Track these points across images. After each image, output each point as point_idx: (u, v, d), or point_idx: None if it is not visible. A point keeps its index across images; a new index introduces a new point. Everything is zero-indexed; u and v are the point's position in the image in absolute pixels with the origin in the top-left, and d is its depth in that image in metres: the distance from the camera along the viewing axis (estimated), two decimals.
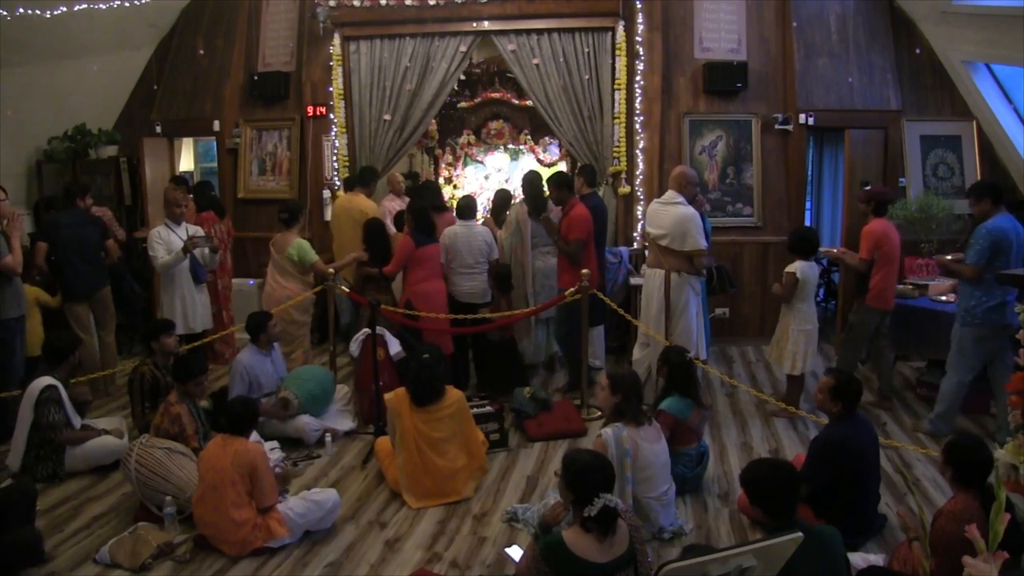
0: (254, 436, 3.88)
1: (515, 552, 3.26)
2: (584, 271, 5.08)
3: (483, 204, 7.48)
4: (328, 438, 4.74)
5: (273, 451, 4.35)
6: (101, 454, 4.43)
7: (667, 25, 6.86)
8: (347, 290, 5.57)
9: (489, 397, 4.95)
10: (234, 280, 6.76)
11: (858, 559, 3.18)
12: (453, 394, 4.20)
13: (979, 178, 6.57)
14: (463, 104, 7.75)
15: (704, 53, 6.93)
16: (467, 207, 5.88)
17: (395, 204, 6.80)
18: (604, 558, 2.56)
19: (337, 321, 5.92)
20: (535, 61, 6.72)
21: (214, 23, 7.64)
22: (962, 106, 6.71)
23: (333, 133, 7.21)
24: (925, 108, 6.80)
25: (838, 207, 8.03)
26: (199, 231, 5.78)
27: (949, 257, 4.98)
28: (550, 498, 3.74)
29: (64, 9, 6.02)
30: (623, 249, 6.51)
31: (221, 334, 6.09)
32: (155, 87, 7.72)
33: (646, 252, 6.13)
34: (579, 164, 6.45)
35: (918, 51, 6.74)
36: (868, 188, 5.42)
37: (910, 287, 5.62)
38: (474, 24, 6.77)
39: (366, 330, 5.10)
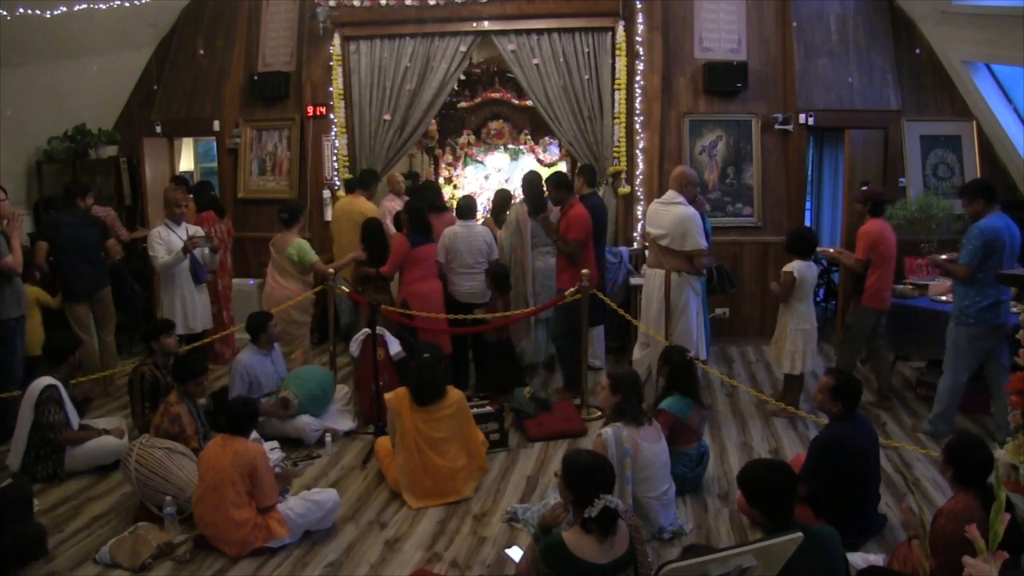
0: (254, 436, 3.88)
1: (515, 553, 3.26)
2: (584, 271, 5.08)
3: (483, 204, 7.48)
4: (328, 438, 4.74)
5: (273, 451, 4.35)
6: (101, 454, 4.44)
7: (667, 25, 6.86)
8: (347, 290, 5.57)
9: (489, 397, 4.95)
10: (234, 280, 6.76)
11: (858, 559, 3.19)
12: (454, 394, 4.20)
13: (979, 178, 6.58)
14: (463, 104, 7.75)
15: (704, 53, 6.93)
16: (467, 207, 5.88)
17: (395, 204, 6.80)
18: (604, 559, 2.56)
19: (337, 321, 5.92)
20: (535, 61, 6.72)
21: (214, 23, 7.64)
22: (962, 106, 6.71)
23: (333, 133, 7.21)
24: (925, 108, 6.80)
25: (838, 207, 8.03)
26: (199, 231, 5.78)
27: (944, 257, 4.99)
28: (550, 498, 3.74)
29: (64, 9, 6.02)
30: (623, 249, 6.51)
31: (221, 334, 6.09)
32: (155, 87, 7.72)
33: (646, 252, 6.13)
34: (579, 164, 6.45)
35: (918, 51, 6.74)
36: (864, 188, 5.43)
37: (910, 287, 5.62)
38: (474, 24, 6.77)
39: (366, 330, 5.10)
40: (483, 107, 7.75)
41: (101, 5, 6.29)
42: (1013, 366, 3.70)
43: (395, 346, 5.23)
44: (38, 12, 5.90)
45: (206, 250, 5.77)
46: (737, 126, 6.91)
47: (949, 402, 4.71)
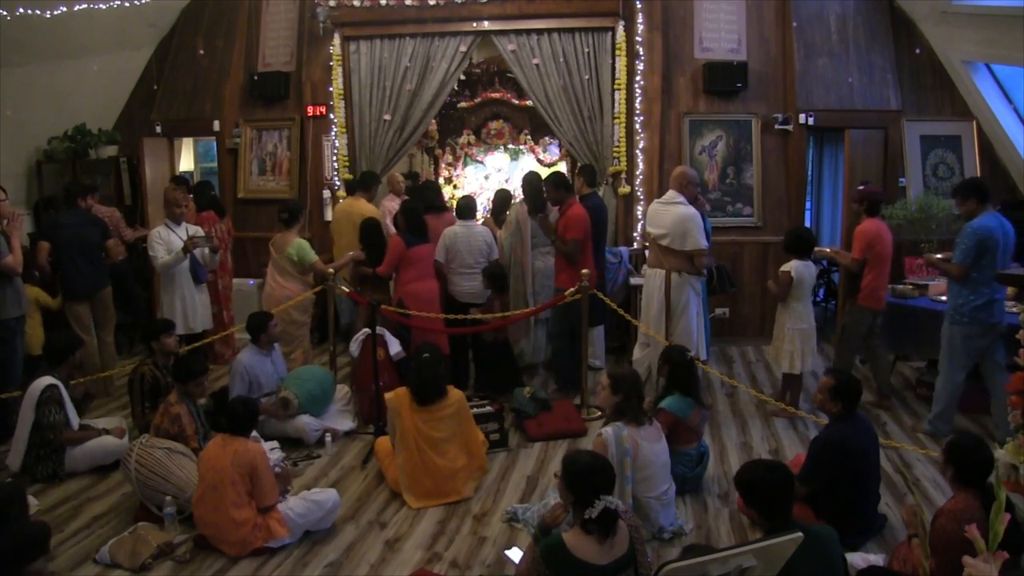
0: (253, 436, 3.88)
1: (515, 554, 3.26)
2: (584, 271, 5.08)
3: (483, 204, 7.48)
4: (328, 438, 4.74)
5: (273, 451, 4.35)
6: (101, 454, 4.44)
7: (667, 25, 6.86)
8: (347, 290, 5.57)
9: (489, 397, 4.95)
10: (234, 280, 6.76)
11: (858, 559, 3.18)
12: (454, 394, 4.20)
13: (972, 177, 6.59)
14: (463, 104, 7.75)
15: (704, 53, 6.93)
16: (467, 207, 5.89)
17: (395, 204, 6.78)
18: (604, 560, 2.55)
19: (337, 321, 5.92)
20: (535, 61, 6.72)
21: (214, 23, 7.64)
22: (962, 106, 6.71)
23: (333, 133, 7.21)
24: (925, 108, 6.80)
25: (838, 207, 8.03)
26: (199, 231, 5.78)
27: (939, 256, 5.00)
28: (550, 498, 3.74)
29: (64, 9, 6.02)
30: (623, 249, 6.51)
31: (221, 334, 6.09)
32: (155, 87, 7.72)
33: (646, 252, 6.13)
34: (579, 164, 6.46)
35: (918, 51, 6.74)
36: (861, 188, 5.43)
37: (910, 287, 5.62)
38: (474, 24, 6.77)
39: (366, 330, 5.10)
40: (483, 107, 7.75)
41: (101, 5, 6.29)
42: (1013, 366, 3.70)
43: (395, 346, 5.23)
44: (38, 12, 5.90)
45: (206, 250, 5.78)
46: (737, 126, 6.91)
47: (947, 402, 4.71)
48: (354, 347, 5.20)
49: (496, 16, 6.74)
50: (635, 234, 6.82)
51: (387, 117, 7.01)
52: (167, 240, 5.55)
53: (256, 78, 7.46)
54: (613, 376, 3.69)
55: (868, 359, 5.53)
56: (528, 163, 7.74)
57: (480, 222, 6.14)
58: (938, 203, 6.11)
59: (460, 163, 7.95)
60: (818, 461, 3.51)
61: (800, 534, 2.51)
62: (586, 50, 6.68)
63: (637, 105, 6.74)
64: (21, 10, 5.76)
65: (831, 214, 8.38)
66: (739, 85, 6.76)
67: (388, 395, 4.21)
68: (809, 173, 7.74)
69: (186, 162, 9.03)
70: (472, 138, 7.84)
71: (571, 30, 6.68)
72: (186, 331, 5.59)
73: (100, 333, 5.80)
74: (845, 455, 3.46)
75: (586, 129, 6.75)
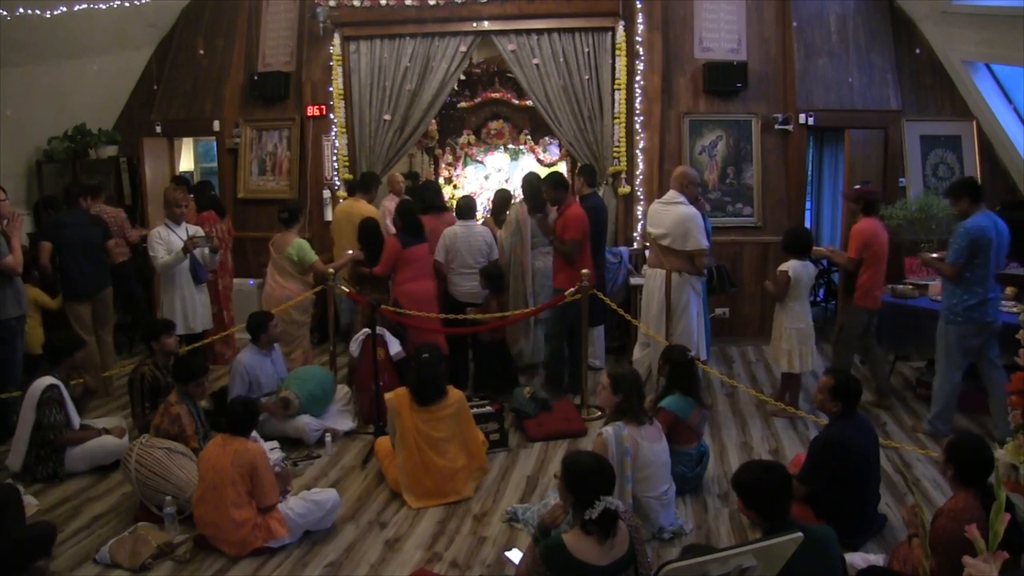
0: (253, 436, 3.88)
1: (515, 555, 3.27)
2: (584, 271, 5.08)
3: (483, 204, 7.48)
4: (328, 438, 4.74)
5: (273, 451, 4.35)
6: (101, 454, 4.44)
7: (667, 25, 6.86)
8: (347, 290, 5.57)
9: (489, 397, 4.95)
10: (234, 280, 6.76)
11: (858, 559, 3.18)
12: (454, 394, 4.20)
13: (979, 178, 6.58)
14: (463, 104, 7.74)
15: (704, 53, 6.93)
16: (467, 207, 5.89)
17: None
18: (604, 560, 2.55)
19: (337, 321, 5.92)
20: (535, 61, 6.72)
21: (214, 23, 7.64)
22: (962, 106, 6.72)
23: (333, 133, 7.21)
24: (925, 108, 6.80)
25: (838, 207, 8.03)
26: (199, 231, 5.78)
27: (934, 255, 5.01)
28: (550, 498, 3.74)
29: (64, 9, 6.02)
30: (623, 249, 6.51)
31: (222, 334, 6.09)
32: (155, 87, 7.73)
33: (646, 252, 6.13)
34: (579, 164, 6.46)
35: (918, 51, 6.74)
36: (857, 187, 5.44)
37: (910, 287, 5.62)
38: (474, 24, 6.77)
39: (366, 330, 5.10)
40: (483, 107, 7.75)
41: (101, 5, 6.29)
42: (1013, 366, 3.71)
43: (395, 346, 5.23)
44: (38, 12, 5.91)
45: (206, 250, 5.77)
46: (737, 126, 6.91)
47: (946, 401, 4.72)
48: (354, 347, 5.20)
49: (496, 16, 6.74)
50: (635, 234, 6.82)
51: (387, 117, 7.01)
52: (167, 240, 5.55)
53: (256, 78, 7.46)
54: (613, 376, 3.69)
55: (866, 359, 5.53)
56: (528, 163, 7.74)
57: (480, 222, 6.14)
58: (938, 203, 6.11)
59: (460, 163, 7.95)
60: (818, 461, 3.51)
61: (800, 534, 2.51)
62: (586, 50, 6.68)
63: (637, 105, 6.75)
64: (21, 10, 5.76)
65: (831, 214, 8.38)
66: (739, 85, 6.76)
67: (388, 395, 4.21)
68: (809, 173, 7.74)
69: (186, 162, 9.03)
70: (472, 138, 7.84)
71: (571, 30, 6.68)
72: (186, 331, 5.59)
73: (100, 332, 5.80)
74: (845, 455, 3.46)
75: (586, 129, 6.75)
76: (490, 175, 7.96)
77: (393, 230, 6.17)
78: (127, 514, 3.94)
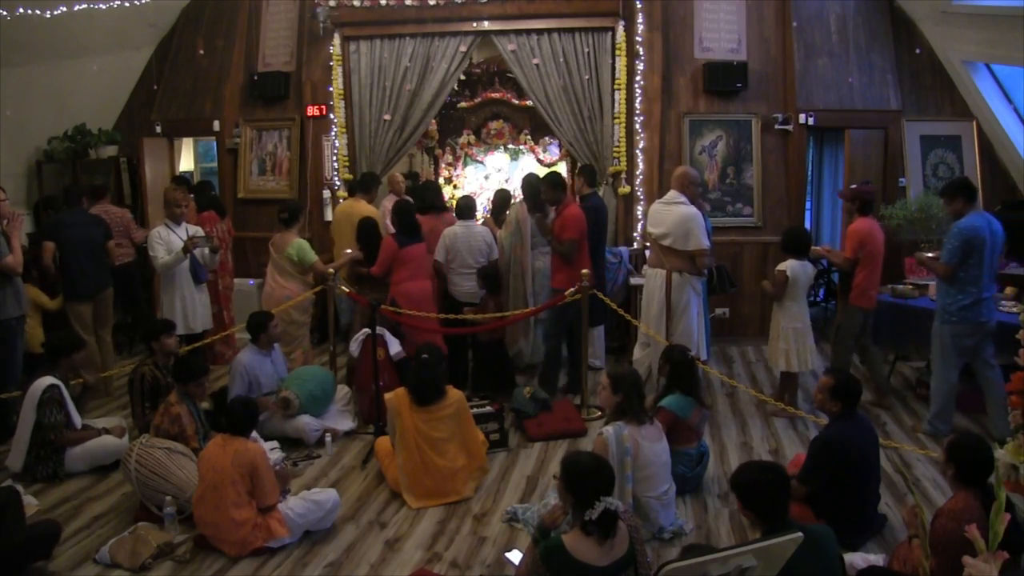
0: (253, 436, 3.88)
1: (515, 556, 3.27)
2: (584, 271, 5.08)
3: (483, 204, 7.48)
4: (328, 438, 4.74)
5: (273, 451, 4.35)
6: (101, 454, 4.44)
7: (667, 25, 6.86)
8: (347, 290, 5.57)
9: (489, 397, 4.95)
10: (234, 280, 6.76)
11: (858, 559, 3.18)
12: (453, 394, 4.20)
13: (979, 178, 6.58)
14: (463, 104, 7.74)
15: (704, 53, 6.93)
16: (467, 207, 5.88)
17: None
18: (604, 561, 2.55)
19: (337, 321, 5.92)
20: (535, 61, 6.72)
21: (214, 23, 7.64)
22: (962, 106, 6.71)
23: (333, 133, 7.21)
24: (925, 108, 6.80)
25: (838, 207, 8.02)
26: (199, 231, 5.78)
27: (929, 255, 5.01)
28: (550, 498, 3.74)
29: (64, 9, 6.02)
30: (623, 249, 6.51)
31: (222, 334, 6.09)
32: (155, 87, 7.72)
33: (646, 252, 6.13)
34: (579, 164, 6.46)
35: (918, 51, 6.74)
36: (853, 187, 5.44)
37: (910, 287, 5.62)
38: (474, 24, 6.77)
39: (366, 330, 5.10)
40: (483, 107, 7.74)
41: (101, 5, 6.29)
42: (1013, 366, 3.71)
43: (395, 346, 5.23)
44: (38, 12, 5.91)
45: (206, 250, 5.77)
46: (737, 126, 6.91)
47: (944, 401, 4.73)
48: (354, 347, 5.20)
49: (496, 16, 6.74)
50: (635, 234, 6.82)
51: (387, 117, 7.01)
52: (167, 240, 5.55)
53: (256, 78, 7.46)
54: (613, 376, 3.69)
55: (863, 358, 5.54)
56: (528, 163, 7.74)
57: (480, 222, 6.14)
58: (938, 203, 6.07)
59: (460, 163, 7.94)
60: (818, 461, 3.51)
61: (800, 534, 2.51)
62: (586, 50, 6.68)
63: (637, 105, 6.75)
64: (21, 10, 5.76)
65: (831, 214, 8.38)
66: (739, 85, 6.76)
67: (388, 395, 4.21)
68: (809, 173, 7.74)
69: (186, 162, 9.03)
70: (472, 138, 7.84)
71: (571, 30, 6.68)
72: (186, 331, 5.59)
73: (99, 332, 5.80)
74: (845, 455, 3.46)
75: (586, 129, 6.75)
76: (490, 175, 7.96)
77: (393, 230, 6.17)
78: (127, 514, 3.94)
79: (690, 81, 6.92)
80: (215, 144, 7.80)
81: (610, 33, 6.68)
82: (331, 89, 7.11)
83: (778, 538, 2.51)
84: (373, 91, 7.04)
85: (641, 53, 6.73)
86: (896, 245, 6.26)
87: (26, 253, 5.24)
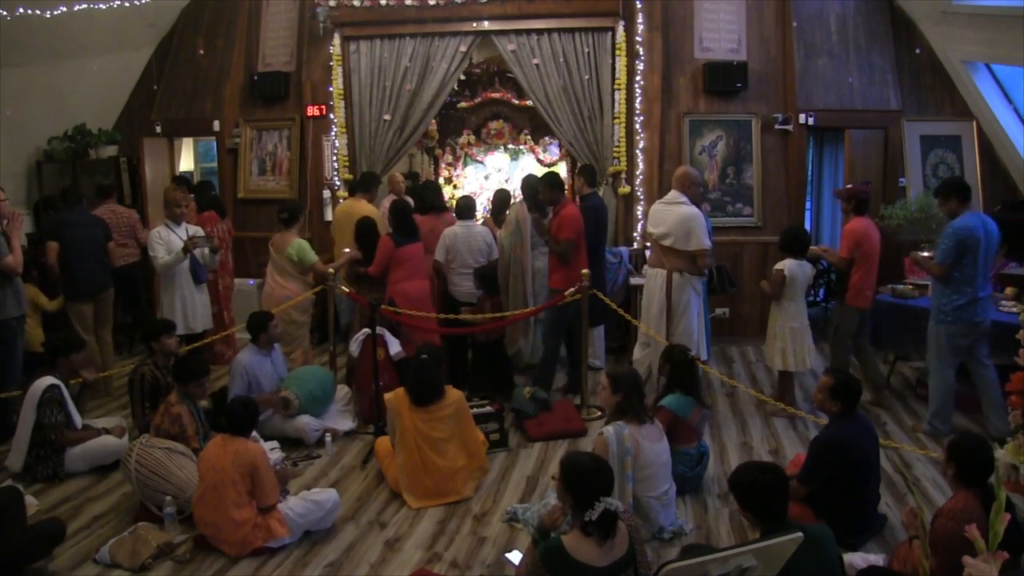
0: (253, 436, 3.88)
1: (515, 557, 3.28)
2: (584, 271, 5.08)
3: (483, 204, 7.48)
4: (328, 438, 4.74)
5: (273, 451, 4.35)
6: (101, 454, 4.44)
7: (667, 25, 6.86)
8: (347, 290, 5.57)
9: (489, 397, 4.95)
10: (234, 280, 6.76)
11: (858, 559, 3.19)
12: (453, 394, 4.20)
13: (979, 178, 6.58)
14: (463, 104, 7.74)
15: (704, 53, 6.93)
16: (467, 207, 5.88)
17: None
18: (604, 561, 2.55)
19: (337, 321, 5.92)
20: (535, 61, 6.72)
21: (214, 23, 7.64)
22: (962, 106, 6.71)
23: (333, 133, 7.21)
24: (925, 108, 6.80)
25: (838, 207, 8.02)
26: (199, 231, 5.78)
27: (925, 255, 5.01)
28: (550, 498, 3.74)
29: (64, 9, 6.03)
30: (623, 249, 6.51)
31: (222, 334, 6.09)
32: (155, 87, 7.73)
33: (646, 252, 6.12)
34: (579, 164, 6.46)
35: (918, 51, 6.74)
36: (849, 187, 5.45)
37: (910, 287, 5.62)
38: (474, 24, 6.77)
39: (366, 330, 5.10)
40: (483, 107, 7.74)
41: (101, 5, 6.29)
42: (1013, 366, 3.71)
43: (395, 346, 5.23)
44: (38, 12, 5.91)
45: (206, 250, 5.77)
46: (737, 126, 6.91)
47: (942, 400, 4.74)
48: (354, 347, 5.20)
49: (496, 16, 6.74)
50: (635, 234, 6.82)
51: (387, 117, 7.01)
52: (167, 240, 5.55)
53: (256, 78, 7.46)
54: (612, 376, 3.69)
55: (857, 357, 5.54)
56: (528, 163, 7.74)
57: (480, 222, 6.14)
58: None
59: (460, 163, 7.94)
60: (818, 461, 3.51)
61: (800, 534, 2.51)
62: (586, 50, 6.68)
63: (637, 105, 6.75)
64: (21, 10, 5.76)
65: (831, 214, 8.38)
66: (739, 85, 6.76)
67: (387, 395, 4.21)
68: (809, 173, 7.74)
69: (186, 162, 9.03)
70: (472, 138, 7.84)
71: (571, 30, 6.68)
72: (186, 331, 5.59)
73: (99, 332, 5.80)
74: (845, 455, 3.46)
75: (586, 129, 6.75)
76: (490, 175, 7.96)
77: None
78: (127, 514, 3.94)
79: (690, 81, 6.92)
80: (215, 144, 7.80)
81: (610, 33, 6.68)
82: (331, 89, 7.11)
83: (778, 538, 2.51)
84: (373, 91, 7.04)
85: (641, 53, 6.73)
86: (896, 245, 6.26)
87: (25, 253, 5.24)
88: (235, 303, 6.62)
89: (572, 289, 5.11)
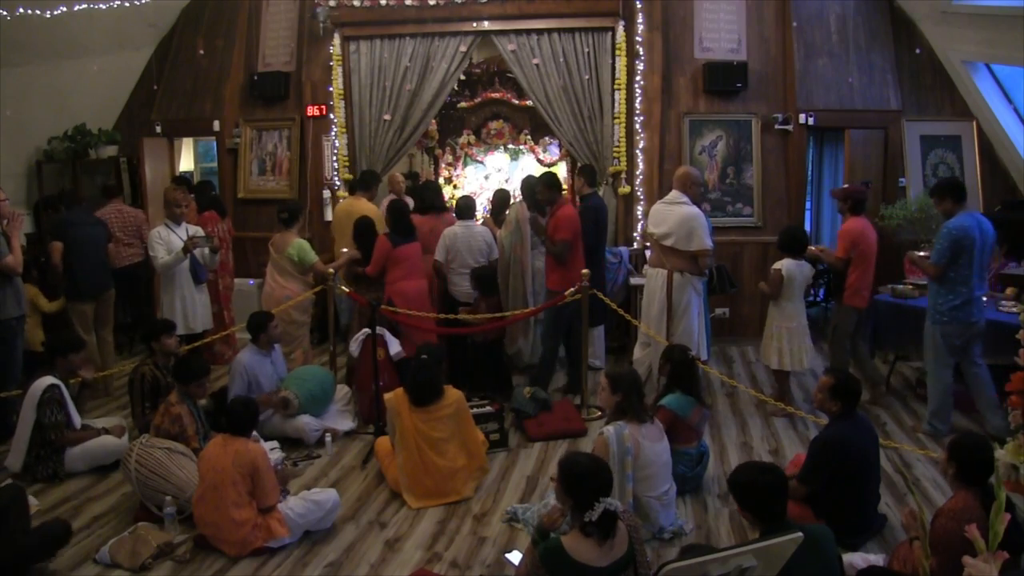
0: (253, 436, 3.88)
1: (515, 557, 3.28)
2: (584, 271, 5.08)
3: (483, 204, 7.48)
4: (328, 438, 4.74)
5: (273, 451, 4.35)
6: (101, 454, 4.44)
7: (667, 25, 6.86)
8: (347, 290, 5.57)
9: (489, 397, 4.95)
10: (234, 280, 6.76)
11: (858, 559, 3.19)
12: (452, 394, 4.20)
13: (979, 178, 6.58)
14: (463, 104, 7.74)
15: (704, 53, 6.93)
16: (466, 207, 5.89)
17: None
18: (604, 562, 2.55)
19: (337, 321, 5.92)
20: (535, 61, 6.72)
21: (214, 23, 7.64)
22: (962, 106, 6.71)
23: (333, 133, 7.22)
24: (925, 108, 6.80)
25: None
26: (199, 231, 5.78)
27: (921, 254, 5.02)
28: (550, 498, 3.74)
29: (64, 9, 6.02)
30: (623, 249, 6.51)
31: (222, 334, 6.09)
32: (155, 87, 7.73)
33: (646, 252, 6.12)
34: (579, 164, 6.46)
35: (918, 51, 6.74)
36: (845, 187, 5.45)
37: (910, 287, 5.62)
38: (474, 24, 6.78)
39: (366, 330, 5.10)
40: (483, 107, 7.75)
41: (101, 5, 6.29)
42: (1013, 366, 3.71)
43: (395, 346, 5.23)
44: (38, 12, 5.91)
45: (206, 250, 5.77)
46: (737, 126, 6.91)
47: (940, 400, 4.75)
48: (354, 347, 5.20)
49: (496, 16, 6.74)
50: (635, 234, 6.82)
51: (387, 117, 7.01)
52: (167, 240, 5.55)
53: (256, 78, 7.46)
54: (611, 376, 3.69)
55: (852, 355, 5.54)
56: (528, 163, 7.74)
57: (480, 222, 6.14)
58: None
59: (460, 163, 7.95)
60: (818, 461, 3.50)
61: (800, 534, 2.51)
62: (586, 50, 6.68)
63: (637, 105, 6.75)
64: (21, 10, 5.76)
65: (831, 214, 8.37)
66: (739, 85, 6.76)
67: (387, 395, 4.21)
68: (809, 173, 7.74)
69: (186, 162, 9.03)
70: (472, 138, 7.84)
71: (571, 30, 6.68)
72: (186, 331, 5.59)
73: (100, 332, 5.81)
74: (845, 455, 3.46)
75: (586, 129, 6.75)
76: (490, 175, 7.97)
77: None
78: (127, 514, 3.94)
79: (690, 81, 6.92)
80: (215, 144, 7.80)
81: (610, 33, 6.68)
82: (331, 89, 7.11)
83: (778, 538, 2.51)
84: (373, 91, 7.04)
85: (641, 53, 6.73)
86: (896, 245, 6.26)
87: (25, 253, 5.24)
88: (235, 303, 6.62)
89: (572, 289, 5.10)
